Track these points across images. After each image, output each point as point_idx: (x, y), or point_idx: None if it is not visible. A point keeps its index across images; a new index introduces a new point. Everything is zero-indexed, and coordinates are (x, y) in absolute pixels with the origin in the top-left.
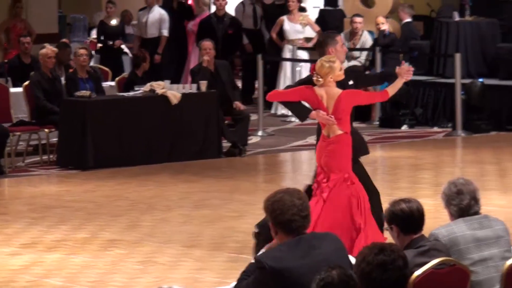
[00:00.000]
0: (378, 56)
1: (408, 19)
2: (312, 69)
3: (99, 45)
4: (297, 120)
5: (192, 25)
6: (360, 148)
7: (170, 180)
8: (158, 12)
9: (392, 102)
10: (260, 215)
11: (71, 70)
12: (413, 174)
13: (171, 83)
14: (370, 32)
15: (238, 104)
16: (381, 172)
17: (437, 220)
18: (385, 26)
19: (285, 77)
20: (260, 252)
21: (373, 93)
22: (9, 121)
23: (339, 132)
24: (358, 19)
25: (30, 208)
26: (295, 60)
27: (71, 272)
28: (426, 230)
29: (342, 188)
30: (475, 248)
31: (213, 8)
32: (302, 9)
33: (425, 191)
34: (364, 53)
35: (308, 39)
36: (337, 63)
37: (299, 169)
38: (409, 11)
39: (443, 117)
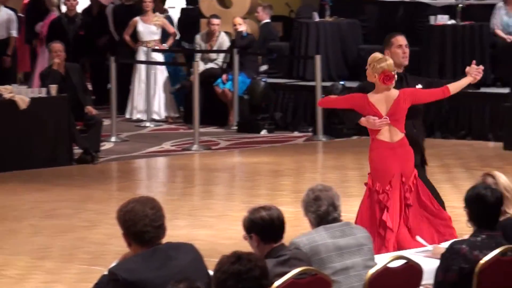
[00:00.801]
0: (236, 58)
1: (267, 20)
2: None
3: None
4: (152, 125)
5: (40, 27)
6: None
7: (19, 188)
8: (5, 13)
9: (251, 106)
10: (113, 224)
11: None
12: (273, 180)
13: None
14: (227, 33)
15: (90, 109)
16: (239, 179)
17: (298, 228)
18: (243, 27)
19: (140, 80)
20: (113, 264)
21: (433, 90)
22: None
23: (401, 134)
24: (215, 21)
25: None
26: (149, 63)
27: None
28: (287, 239)
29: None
30: (337, 256)
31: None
32: (164, 10)
33: (285, 198)
34: (221, 55)
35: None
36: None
37: (154, 176)
38: (268, 12)
39: (303, 122)
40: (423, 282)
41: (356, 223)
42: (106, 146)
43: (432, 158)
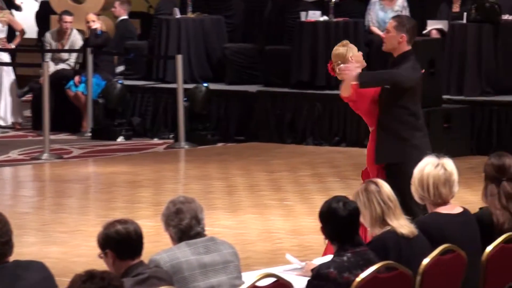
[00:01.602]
0: (90, 58)
1: (125, 16)
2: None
3: None
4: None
5: None
6: None
7: None
8: None
9: (106, 110)
10: None
11: None
12: (130, 192)
13: None
14: (80, 31)
15: None
16: (94, 191)
17: (158, 244)
18: (97, 25)
19: None
20: None
21: None
22: None
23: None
24: (67, 18)
25: None
26: None
27: None
28: (146, 256)
29: None
30: (201, 275)
31: None
32: (18, 7)
33: (144, 211)
34: (74, 55)
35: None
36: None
37: (1, 188)
38: (126, 7)
39: (164, 127)
40: None
41: None
42: None
43: (304, 166)
